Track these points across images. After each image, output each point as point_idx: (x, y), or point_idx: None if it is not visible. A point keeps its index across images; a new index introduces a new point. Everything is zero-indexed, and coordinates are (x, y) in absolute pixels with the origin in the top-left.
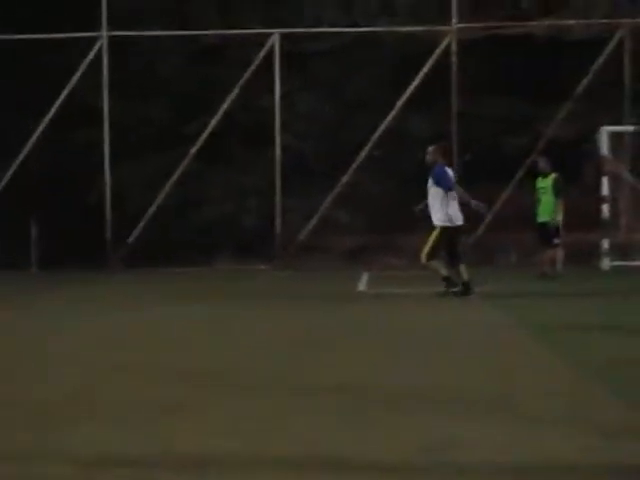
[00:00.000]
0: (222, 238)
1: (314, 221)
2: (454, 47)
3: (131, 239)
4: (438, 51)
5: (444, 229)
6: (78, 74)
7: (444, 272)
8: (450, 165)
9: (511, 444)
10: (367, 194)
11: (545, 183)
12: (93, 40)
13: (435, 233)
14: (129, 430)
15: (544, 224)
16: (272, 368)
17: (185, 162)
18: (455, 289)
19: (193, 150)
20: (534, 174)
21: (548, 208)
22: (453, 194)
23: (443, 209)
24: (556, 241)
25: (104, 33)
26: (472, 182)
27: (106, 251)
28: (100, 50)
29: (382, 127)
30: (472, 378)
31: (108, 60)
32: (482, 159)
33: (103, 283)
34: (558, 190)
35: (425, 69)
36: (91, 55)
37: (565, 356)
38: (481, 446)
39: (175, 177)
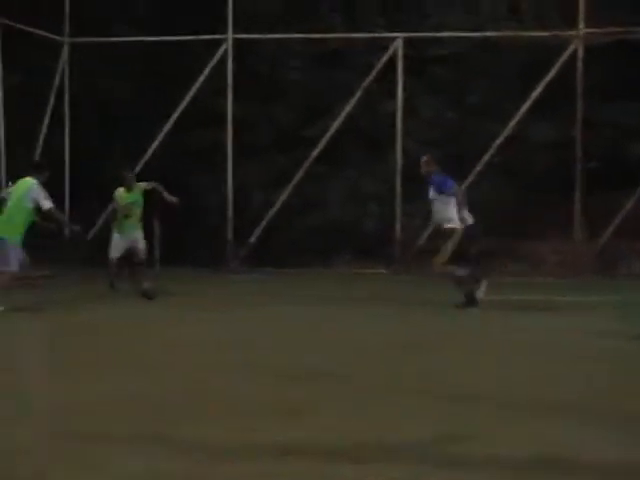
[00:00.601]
0: (341, 241)
1: (431, 227)
2: (580, 53)
3: (252, 239)
4: (564, 56)
5: (458, 231)
6: (203, 76)
7: (461, 272)
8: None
9: None
10: (487, 200)
11: None
12: (218, 42)
13: (451, 237)
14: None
15: None
16: (384, 371)
17: (306, 165)
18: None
19: (314, 153)
20: None
21: None
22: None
23: (452, 213)
24: None
25: (229, 35)
26: (596, 189)
27: (227, 251)
28: (225, 53)
29: (505, 133)
30: (575, 389)
31: (232, 62)
32: (606, 166)
33: (223, 283)
34: None
35: (550, 75)
36: (216, 58)
37: None
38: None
39: (296, 179)
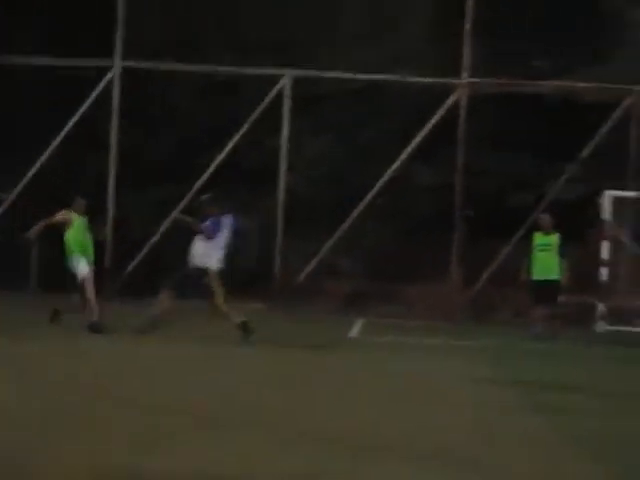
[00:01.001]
0: (221, 275)
1: (313, 264)
2: (464, 101)
3: (130, 268)
4: (447, 104)
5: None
6: (89, 102)
7: (238, 319)
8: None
9: None
10: (369, 241)
11: (547, 240)
12: (106, 69)
13: (215, 279)
14: None
15: (546, 282)
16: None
17: (189, 196)
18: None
19: (198, 184)
20: (531, 230)
21: (550, 266)
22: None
23: (217, 253)
24: (559, 300)
25: (117, 63)
26: (474, 236)
27: (103, 280)
28: (112, 79)
29: (387, 175)
30: (448, 436)
31: (120, 90)
32: (485, 214)
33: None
34: (564, 249)
35: (433, 120)
36: (102, 84)
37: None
38: None
39: (178, 210)
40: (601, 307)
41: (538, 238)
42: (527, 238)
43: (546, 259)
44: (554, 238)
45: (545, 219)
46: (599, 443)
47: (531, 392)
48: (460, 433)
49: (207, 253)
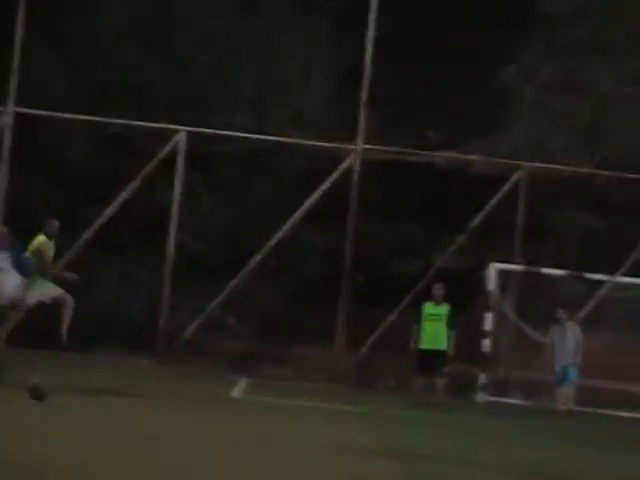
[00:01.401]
0: (107, 327)
1: (200, 321)
2: (357, 166)
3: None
4: (340, 169)
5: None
6: None
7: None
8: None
9: None
10: (257, 300)
11: (438, 311)
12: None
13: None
14: None
15: (433, 351)
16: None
17: (77, 247)
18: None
19: (85, 236)
20: (420, 299)
21: (439, 336)
22: None
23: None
24: (445, 370)
25: (10, 108)
26: (361, 301)
27: None
28: (3, 125)
29: (277, 236)
30: None
31: (13, 136)
32: (373, 280)
33: None
34: (454, 320)
35: (326, 185)
36: None
37: None
38: None
39: (64, 261)
40: (482, 378)
41: (428, 307)
42: (415, 306)
43: (435, 329)
44: (444, 309)
45: (439, 289)
46: None
47: (401, 460)
48: None
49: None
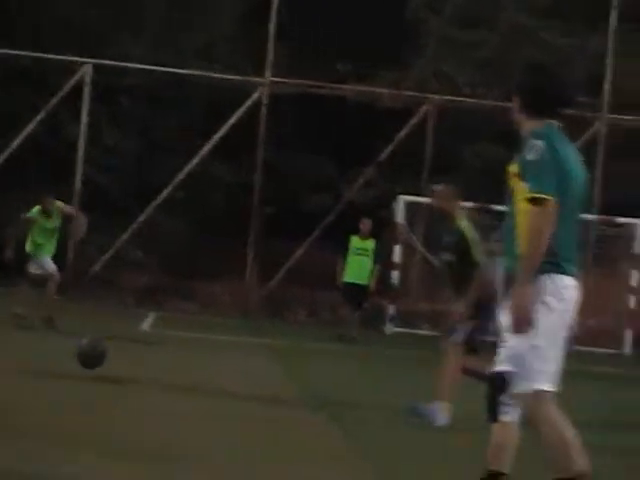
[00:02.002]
0: (13, 262)
1: (108, 256)
2: (265, 100)
3: None
4: (249, 102)
5: None
6: None
7: None
8: None
9: None
10: (166, 235)
11: (364, 245)
12: None
13: None
14: None
15: (358, 286)
16: None
17: None
18: None
19: None
20: (348, 233)
21: (364, 271)
22: None
23: None
24: (365, 305)
25: None
26: (271, 235)
27: None
28: None
29: (186, 170)
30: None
31: None
32: (283, 214)
33: None
34: (379, 256)
35: (234, 118)
36: None
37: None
38: None
39: None
40: (391, 309)
41: (355, 241)
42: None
43: (359, 263)
44: (370, 243)
45: (366, 224)
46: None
47: (308, 388)
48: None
49: None
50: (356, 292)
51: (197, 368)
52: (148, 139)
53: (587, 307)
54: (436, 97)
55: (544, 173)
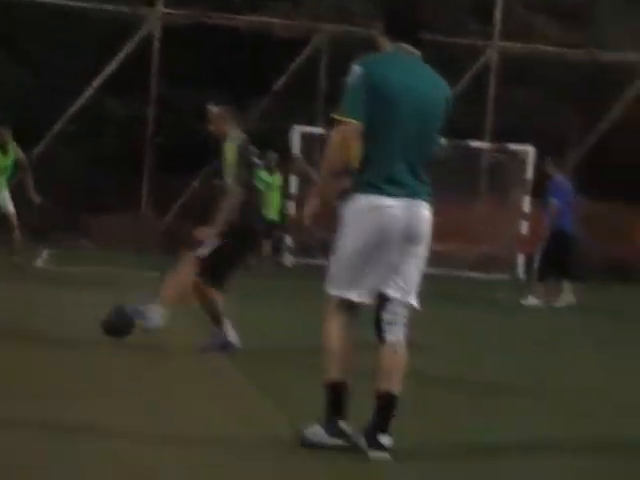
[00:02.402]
0: None
1: None
2: (157, 32)
3: None
4: (140, 34)
5: None
6: None
7: None
8: None
9: None
10: (58, 170)
11: (272, 180)
12: None
13: None
14: None
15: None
16: None
17: None
18: None
19: None
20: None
21: (273, 205)
22: None
23: None
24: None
25: None
26: (165, 169)
27: None
28: None
29: (77, 104)
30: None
31: None
32: (176, 148)
33: None
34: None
35: (125, 51)
36: None
37: None
38: None
39: None
40: (288, 240)
41: (263, 176)
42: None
43: (269, 198)
44: (277, 178)
45: (273, 156)
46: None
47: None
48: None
49: None
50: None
51: (89, 302)
52: (39, 73)
53: (481, 234)
54: (329, 27)
55: (349, 97)
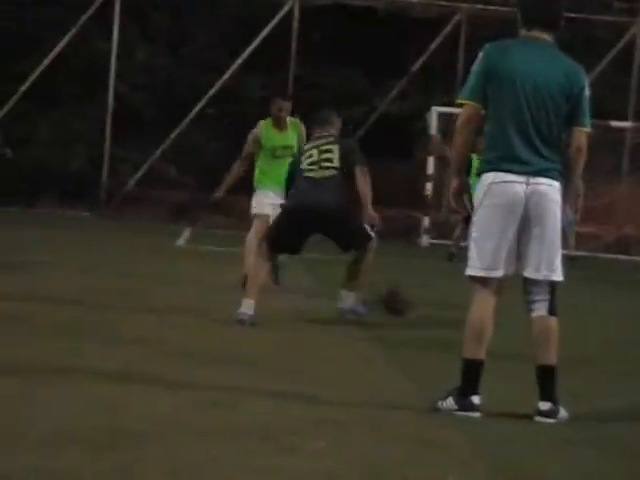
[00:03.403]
0: (47, 181)
1: (142, 172)
2: (296, 12)
3: None
4: (280, 15)
5: None
6: None
7: None
8: None
9: None
10: (198, 151)
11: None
12: None
13: None
14: None
15: None
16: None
17: (13, 100)
18: None
19: (22, 88)
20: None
21: None
22: None
23: None
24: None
25: None
26: None
27: None
28: None
29: (218, 85)
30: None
31: None
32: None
33: None
34: None
35: (265, 32)
36: None
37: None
38: None
39: (1, 115)
40: (425, 221)
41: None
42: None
43: None
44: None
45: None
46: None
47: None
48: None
49: None
50: None
51: (224, 279)
52: (179, 55)
53: (621, 214)
54: (467, 6)
55: (470, 80)
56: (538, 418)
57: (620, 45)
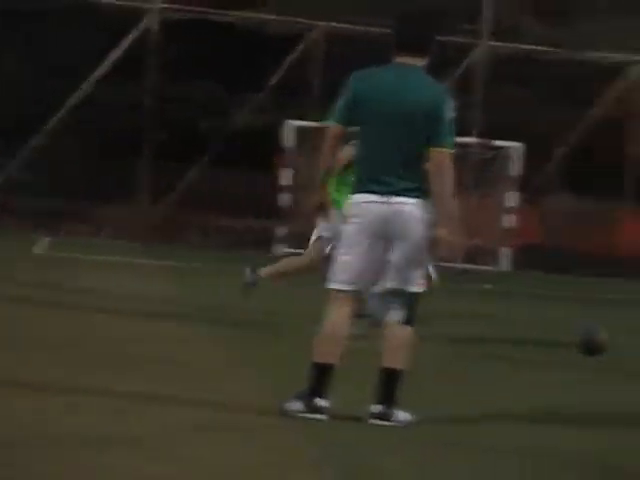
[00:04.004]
0: None
1: None
2: (155, 26)
3: None
4: (139, 28)
5: None
6: None
7: None
8: None
9: None
10: (58, 159)
11: None
12: None
13: None
14: None
15: None
16: None
17: None
18: None
19: None
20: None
21: None
22: None
23: None
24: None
25: None
26: (163, 159)
27: None
28: None
29: (77, 94)
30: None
31: None
32: (175, 138)
33: None
34: None
35: (124, 45)
36: None
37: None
38: None
39: None
40: (280, 231)
41: None
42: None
43: None
44: None
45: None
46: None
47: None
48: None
49: None
50: None
51: (89, 287)
52: (40, 64)
53: (468, 227)
54: (324, 23)
55: (338, 104)
56: (371, 420)
57: (464, 65)
